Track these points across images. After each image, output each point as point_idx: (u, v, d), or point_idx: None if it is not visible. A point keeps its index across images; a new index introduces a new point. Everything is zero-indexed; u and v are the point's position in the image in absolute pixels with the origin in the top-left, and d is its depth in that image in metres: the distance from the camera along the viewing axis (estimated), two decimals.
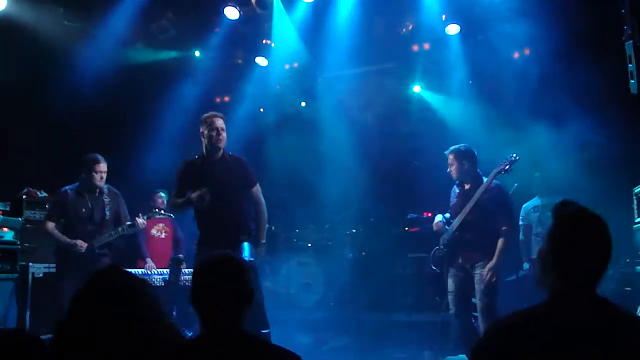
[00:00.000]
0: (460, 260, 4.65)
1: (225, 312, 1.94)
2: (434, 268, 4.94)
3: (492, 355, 1.76)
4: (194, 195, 4.31)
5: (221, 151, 4.50)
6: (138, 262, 6.23)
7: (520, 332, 1.74)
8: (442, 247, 4.79)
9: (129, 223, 5.12)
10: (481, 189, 4.47)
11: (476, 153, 4.70)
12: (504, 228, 4.49)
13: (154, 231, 6.53)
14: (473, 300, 4.64)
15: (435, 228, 4.88)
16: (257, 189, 4.64)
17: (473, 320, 4.63)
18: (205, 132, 4.44)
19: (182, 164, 4.59)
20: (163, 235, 6.59)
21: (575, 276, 1.80)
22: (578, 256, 1.81)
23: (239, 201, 4.52)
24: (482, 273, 4.46)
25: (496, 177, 4.51)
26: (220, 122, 4.47)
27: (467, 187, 4.74)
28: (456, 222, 4.64)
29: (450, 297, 4.70)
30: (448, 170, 4.75)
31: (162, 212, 5.61)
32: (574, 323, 1.73)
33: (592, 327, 1.71)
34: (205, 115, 4.53)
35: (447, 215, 4.88)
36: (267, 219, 4.78)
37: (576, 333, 1.71)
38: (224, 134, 4.47)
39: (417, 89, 8.14)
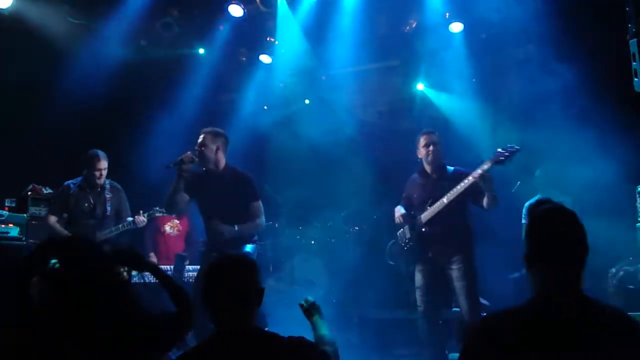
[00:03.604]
0: (430, 255, 4.42)
1: (235, 311, 1.96)
2: (391, 263, 4.82)
3: (480, 354, 1.77)
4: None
5: (216, 167, 4.37)
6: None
7: (508, 330, 1.75)
8: (406, 240, 4.55)
9: (130, 219, 5.15)
10: (469, 180, 4.16)
11: None
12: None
13: (167, 227, 6.51)
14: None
15: (398, 220, 4.61)
16: (256, 205, 4.42)
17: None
18: None
19: (191, 174, 4.38)
20: (175, 233, 6.55)
21: (555, 272, 1.82)
22: (554, 252, 1.83)
23: (234, 216, 4.32)
24: (461, 269, 4.26)
25: (491, 167, 4.13)
26: (200, 139, 4.35)
27: (434, 176, 4.55)
28: (428, 215, 4.41)
29: (418, 294, 4.47)
30: (428, 150, 4.51)
31: (163, 210, 5.59)
32: (559, 320, 1.74)
33: (577, 324, 1.72)
34: None
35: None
36: (255, 232, 4.48)
37: (562, 330, 1.72)
38: (204, 150, 4.31)
39: (420, 86, 8.14)
